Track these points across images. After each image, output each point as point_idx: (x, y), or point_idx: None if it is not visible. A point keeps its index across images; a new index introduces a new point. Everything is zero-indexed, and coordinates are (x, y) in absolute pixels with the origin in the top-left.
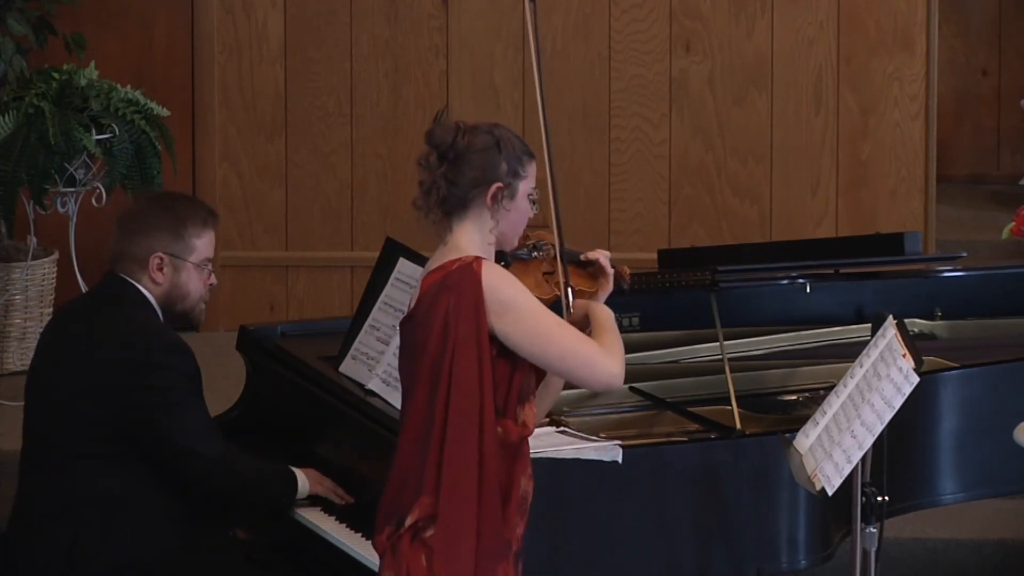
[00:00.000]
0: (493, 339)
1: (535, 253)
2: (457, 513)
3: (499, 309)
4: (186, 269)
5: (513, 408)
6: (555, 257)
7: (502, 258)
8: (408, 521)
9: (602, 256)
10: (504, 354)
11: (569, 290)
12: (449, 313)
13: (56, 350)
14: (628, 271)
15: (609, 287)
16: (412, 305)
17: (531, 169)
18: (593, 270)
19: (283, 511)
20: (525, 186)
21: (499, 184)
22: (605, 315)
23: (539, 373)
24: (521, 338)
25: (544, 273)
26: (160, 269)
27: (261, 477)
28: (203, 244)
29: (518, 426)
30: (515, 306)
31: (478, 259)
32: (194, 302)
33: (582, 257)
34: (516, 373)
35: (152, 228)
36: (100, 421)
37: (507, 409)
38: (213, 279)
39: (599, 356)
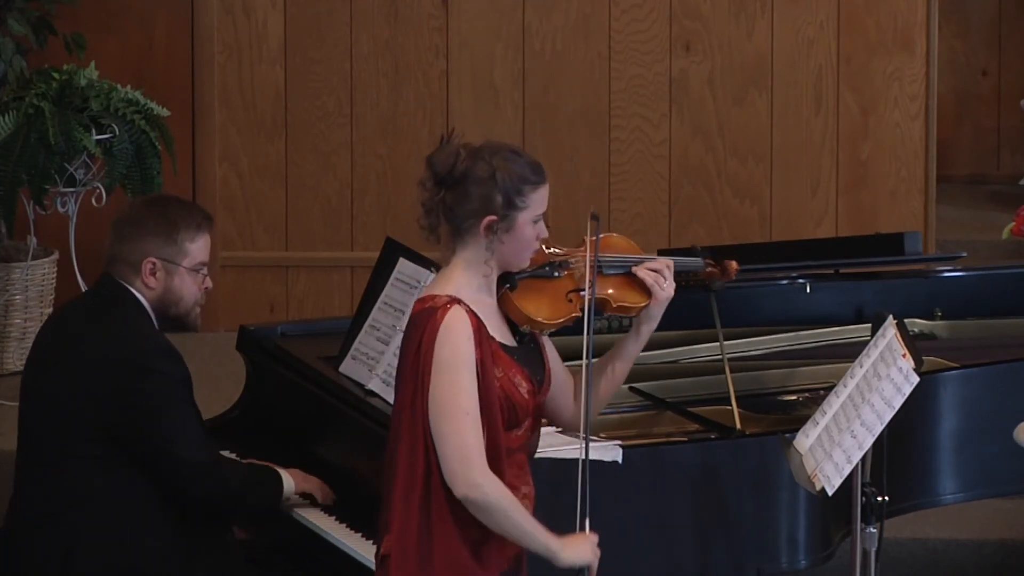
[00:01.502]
0: None
1: (557, 272)
2: (402, 556)
3: (433, 365)
4: (179, 274)
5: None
6: (583, 276)
7: (507, 280)
8: (381, 551)
9: (645, 272)
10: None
11: (592, 307)
12: (411, 351)
13: (51, 351)
14: (736, 267)
15: (661, 304)
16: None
17: (534, 197)
18: (642, 280)
19: (270, 513)
20: (526, 216)
21: (492, 217)
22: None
23: (507, 419)
24: (431, 397)
25: (569, 292)
26: (153, 274)
27: (245, 485)
28: (197, 248)
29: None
30: (442, 369)
31: (448, 304)
32: (188, 306)
33: (633, 270)
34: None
35: (145, 232)
36: (94, 423)
37: None
38: (208, 283)
39: (475, 462)
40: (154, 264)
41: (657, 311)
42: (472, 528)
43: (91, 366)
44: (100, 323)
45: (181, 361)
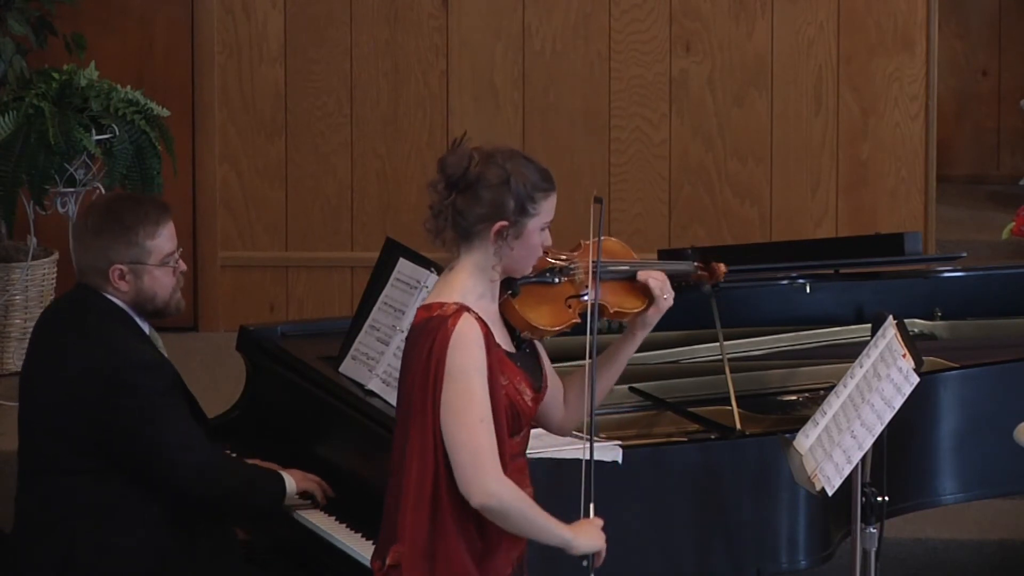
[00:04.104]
0: None
1: (558, 279)
2: (412, 567)
3: (446, 372)
4: (148, 272)
5: None
6: (583, 282)
7: (509, 286)
8: (388, 561)
9: (653, 280)
10: None
11: (597, 311)
12: (421, 358)
13: (38, 364)
14: (725, 269)
15: (660, 312)
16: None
17: (545, 204)
18: (643, 287)
19: (273, 513)
20: (536, 223)
21: (504, 222)
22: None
23: (511, 426)
24: (443, 404)
25: (568, 297)
26: (122, 278)
27: (246, 482)
28: (159, 243)
29: None
30: (456, 377)
31: (458, 312)
32: (165, 299)
33: (640, 277)
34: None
35: (104, 240)
36: (81, 437)
37: None
38: (182, 266)
39: (490, 471)
40: (121, 270)
41: (655, 318)
42: (477, 540)
43: (71, 381)
44: (78, 336)
45: (159, 369)
